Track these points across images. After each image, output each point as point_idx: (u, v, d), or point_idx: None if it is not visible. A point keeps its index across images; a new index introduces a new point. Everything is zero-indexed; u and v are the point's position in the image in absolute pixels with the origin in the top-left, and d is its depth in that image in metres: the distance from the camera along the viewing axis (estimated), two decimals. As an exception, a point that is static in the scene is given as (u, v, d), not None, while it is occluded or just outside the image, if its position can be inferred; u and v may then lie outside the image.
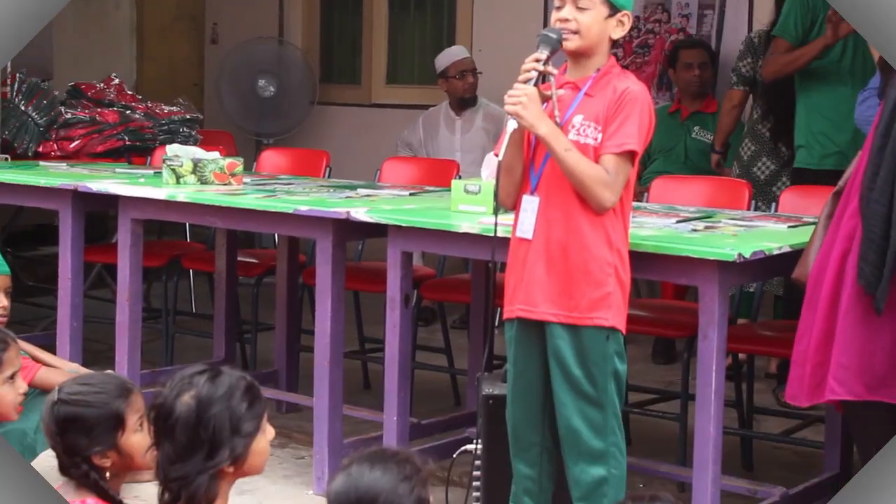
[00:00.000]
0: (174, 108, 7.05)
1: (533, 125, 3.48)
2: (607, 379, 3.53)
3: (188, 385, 2.78)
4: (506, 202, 3.67)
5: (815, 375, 3.59)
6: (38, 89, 6.55)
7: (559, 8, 3.57)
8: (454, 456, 4.08)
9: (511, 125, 3.51)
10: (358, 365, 5.95)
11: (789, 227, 4.23)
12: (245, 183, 5.18)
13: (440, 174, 5.80)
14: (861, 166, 3.55)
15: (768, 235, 4.03)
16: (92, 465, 2.98)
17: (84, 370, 4.20)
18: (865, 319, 3.46)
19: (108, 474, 3.00)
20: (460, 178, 5.39)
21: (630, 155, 3.50)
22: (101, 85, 7.04)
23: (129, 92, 7.19)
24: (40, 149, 6.46)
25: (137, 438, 3.02)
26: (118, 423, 3.02)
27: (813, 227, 3.75)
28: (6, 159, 6.11)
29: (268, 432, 2.84)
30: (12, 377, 3.59)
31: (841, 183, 3.68)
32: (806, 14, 5.75)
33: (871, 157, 3.47)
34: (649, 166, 6.69)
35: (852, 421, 3.81)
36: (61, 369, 4.33)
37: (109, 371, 4.06)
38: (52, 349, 4.95)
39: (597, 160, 3.49)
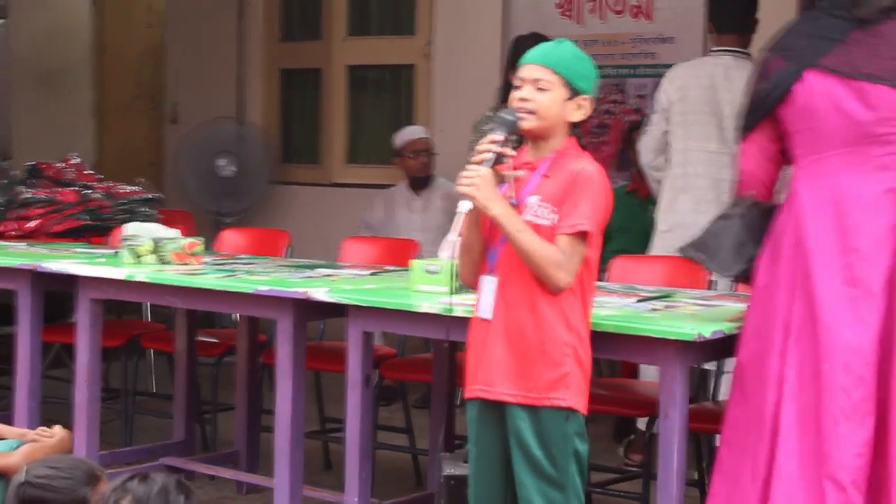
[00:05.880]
0: (134, 188, 7.01)
1: (486, 206, 3.50)
2: (568, 460, 3.53)
3: (122, 492, 2.77)
4: (467, 280, 3.70)
5: None
6: (-3, 168, 6.53)
7: (518, 88, 3.61)
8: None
9: (464, 206, 3.53)
10: (319, 445, 5.91)
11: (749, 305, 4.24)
12: (205, 262, 5.17)
13: (400, 254, 5.80)
14: None
15: (728, 314, 4.05)
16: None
17: (32, 435, 4.11)
18: None
19: None
20: (420, 257, 5.40)
21: (583, 235, 3.52)
22: (61, 164, 7.00)
23: (89, 171, 7.16)
24: (-2, 228, 6.43)
25: None
26: None
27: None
28: (-36, 239, 6.08)
29: None
30: None
31: None
32: None
33: None
34: (608, 245, 6.68)
35: None
36: None
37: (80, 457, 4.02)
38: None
39: (553, 241, 3.52)
